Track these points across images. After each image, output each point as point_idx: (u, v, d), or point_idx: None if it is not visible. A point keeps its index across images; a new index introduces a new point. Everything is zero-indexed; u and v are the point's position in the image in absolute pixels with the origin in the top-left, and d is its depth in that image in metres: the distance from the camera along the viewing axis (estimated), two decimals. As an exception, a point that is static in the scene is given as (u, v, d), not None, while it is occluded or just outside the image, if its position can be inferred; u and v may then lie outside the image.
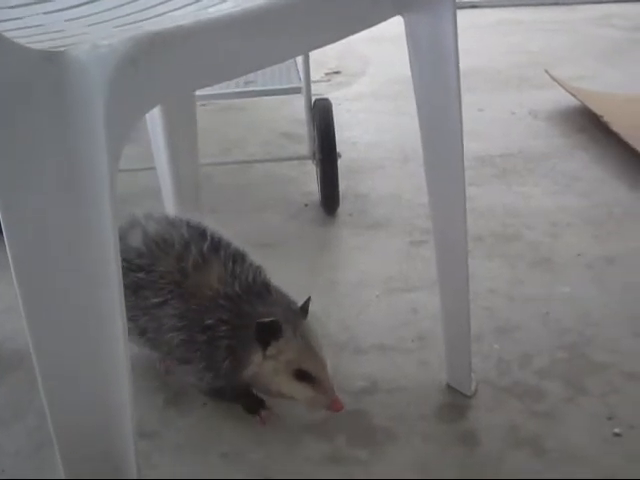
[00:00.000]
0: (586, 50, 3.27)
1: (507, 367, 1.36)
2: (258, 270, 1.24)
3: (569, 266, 1.68)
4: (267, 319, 1.14)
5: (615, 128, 2.22)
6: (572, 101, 2.54)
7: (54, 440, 0.79)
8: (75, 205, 0.72)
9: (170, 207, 1.79)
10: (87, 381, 0.80)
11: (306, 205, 1.98)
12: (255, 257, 1.27)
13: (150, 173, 1.79)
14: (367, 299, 1.56)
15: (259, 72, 2.07)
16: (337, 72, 3.09)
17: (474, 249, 1.71)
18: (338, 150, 1.86)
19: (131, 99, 0.74)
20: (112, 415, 0.82)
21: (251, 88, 1.95)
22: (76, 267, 0.75)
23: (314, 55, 2.11)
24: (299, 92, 1.92)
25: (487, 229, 1.83)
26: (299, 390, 1.16)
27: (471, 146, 2.18)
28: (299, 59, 1.96)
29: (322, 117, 1.86)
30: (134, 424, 0.85)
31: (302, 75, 1.89)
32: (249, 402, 1.28)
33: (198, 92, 1.79)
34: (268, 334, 1.15)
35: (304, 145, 2.07)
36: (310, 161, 1.99)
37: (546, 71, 2.71)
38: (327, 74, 3.06)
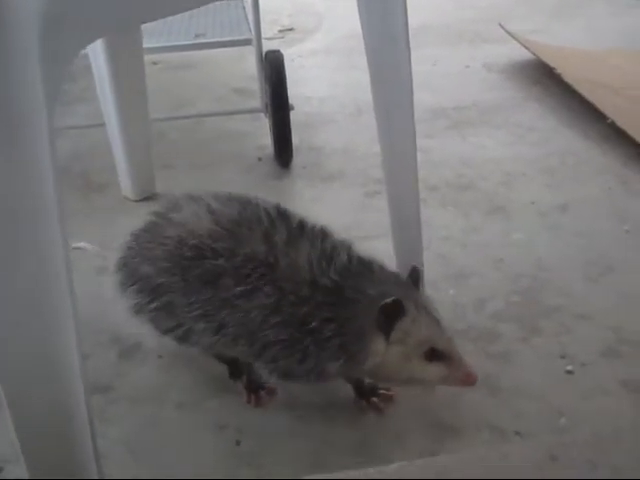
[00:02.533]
0: (537, 5, 3.27)
1: (462, 311, 1.37)
2: (350, 246, 1.08)
3: (523, 214, 1.69)
4: (389, 299, 0.98)
5: (568, 79, 2.23)
6: (525, 54, 2.54)
7: (4, 400, 0.78)
8: (10, 142, 0.70)
9: (122, 163, 1.76)
10: (32, 336, 0.77)
11: (260, 159, 1.96)
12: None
13: (101, 130, 1.76)
14: (322, 249, 1.55)
15: (209, 25, 2.03)
16: (291, 29, 3.05)
17: (428, 198, 1.71)
18: (291, 103, 1.84)
19: (66, 31, 0.72)
20: (60, 369, 0.80)
21: (201, 40, 1.91)
22: (14, 206, 0.72)
23: (267, 12, 2.08)
24: (250, 44, 1.89)
25: (441, 179, 1.83)
26: (434, 372, 1.03)
27: (425, 99, 2.19)
28: (250, 11, 1.93)
29: (273, 69, 1.83)
30: (84, 377, 0.83)
31: (252, 26, 1.86)
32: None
33: (147, 45, 1.75)
34: (391, 317, 1.00)
35: (257, 101, 2.04)
36: (263, 115, 1.97)
37: (500, 25, 2.70)
38: (281, 31, 3.03)
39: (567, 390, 1.18)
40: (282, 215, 1.08)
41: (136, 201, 1.78)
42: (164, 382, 1.25)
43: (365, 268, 1.05)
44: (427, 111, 2.18)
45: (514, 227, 1.63)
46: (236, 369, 1.21)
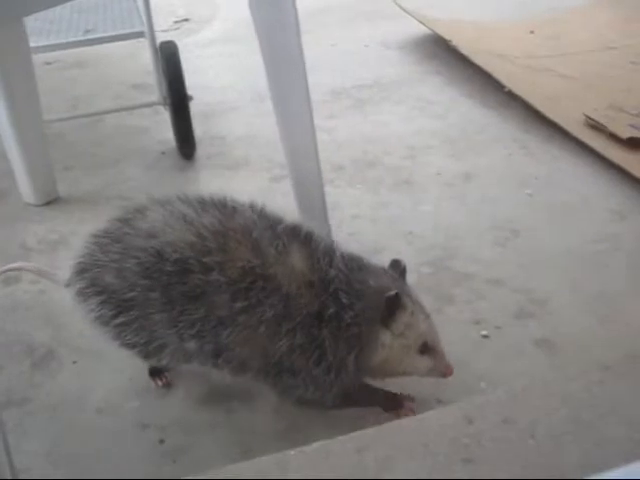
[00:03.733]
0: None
1: (376, 287, 1.37)
2: (335, 242, 1.07)
3: (429, 185, 1.71)
4: (392, 292, 0.98)
5: (464, 51, 2.27)
6: (422, 30, 2.57)
7: None
8: None
9: (19, 168, 1.71)
10: None
11: (163, 153, 1.93)
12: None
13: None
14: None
15: (100, 20, 1.98)
16: (186, 19, 3.01)
17: (336, 178, 1.72)
18: (190, 93, 1.82)
19: None
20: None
21: (91, 36, 1.86)
22: None
23: (161, 4, 2.02)
24: (142, 36, 1.85)
25: (347, 158, 1.84)
26: (423, 364, 1.04)
27: (326, 80, 2.20)
28: (140, 4, 1.88)
29: (168, 60, 1.80)
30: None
31: (144, 18, 1.82)
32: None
33: (35, 44, 1.70)
34: (393, 309, 1.00)
35: (156, 95, 2.00)
36: (163, 109, 1.93)
37: (395, 2, 2.72)
38: (176, 22, 2.97)
39: (484, 354, 1.21)
40: (264, 218, 1.03)
41: (39, 206, 1.73)
42: (82, 388, 1.22)
43: (358, 262, 1.04)
44: (328, 92, 2.19)
45: (421, 199, 1.66)
46: (156, 367, 1.19)
